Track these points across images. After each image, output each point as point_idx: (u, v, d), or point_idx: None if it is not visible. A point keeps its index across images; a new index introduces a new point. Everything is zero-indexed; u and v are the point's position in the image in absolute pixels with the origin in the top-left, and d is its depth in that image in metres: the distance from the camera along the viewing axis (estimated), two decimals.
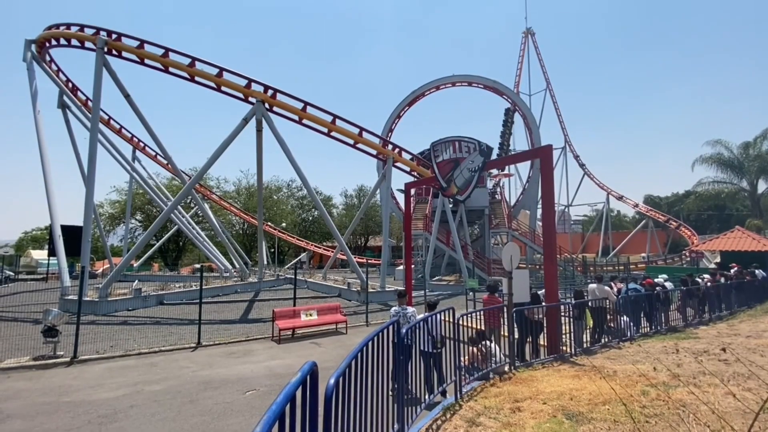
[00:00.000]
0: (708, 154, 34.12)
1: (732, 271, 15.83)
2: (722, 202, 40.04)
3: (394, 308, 6.92)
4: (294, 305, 13.09)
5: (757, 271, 16.02)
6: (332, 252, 33.61)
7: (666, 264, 30.44)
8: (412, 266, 17.84)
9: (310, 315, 11.65)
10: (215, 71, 18.19)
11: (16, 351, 9.11)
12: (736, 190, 34.66)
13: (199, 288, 11.30)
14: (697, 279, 12.86)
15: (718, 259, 24.94)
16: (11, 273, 30.10)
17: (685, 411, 4.36)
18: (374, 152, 21.85)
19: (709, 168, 34.47)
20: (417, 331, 5.42)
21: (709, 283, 12.69)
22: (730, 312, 12.92)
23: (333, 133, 19.91)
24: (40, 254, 38.26)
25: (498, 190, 38.79)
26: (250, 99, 18.41)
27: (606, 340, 8.69)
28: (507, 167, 41.39)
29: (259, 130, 19.03)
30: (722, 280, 13.77)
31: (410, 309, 6.81)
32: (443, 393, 5.71)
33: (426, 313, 6.14)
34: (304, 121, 19.35)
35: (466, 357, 6.29)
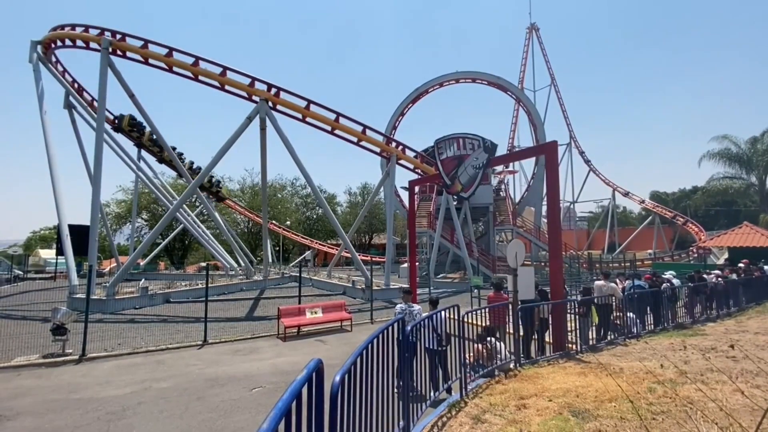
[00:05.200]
0: (716, 150, 33.83)
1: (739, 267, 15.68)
2: (730, 197, 39.66)
3: (399, 305, 6.93)
4: (299, 303, 13.11)
5: (765, 267, 15.85)
6: (337, 250, 33.67)
7: (673, 260, 30.17)
8: (417, 264, 17.82)
9: (315, 313, 11.69)
10: (219, 70, 18.23)
11: (25, 349, 9.23)
12: (745, 186, 34.30)
13: (205, 286, 11.37)
14: (704, 275, 12.74)
15: (726, 255, 24.70)
16: (20, 272, 30.50)
17: (693, 408, 4.33)
18: (378, 150, 21.82)
19: (716, 164, 34.18)
20: (422, 328, 5.41)
21: (719, 279, 12.56)
22: (738, 308, 12.79)
23: (336, 131, 19.89)
24: (48, 253, 38.71)
25: (502, 187, 38.63)
26: (254, 98, 18.43)
27: (612, 337, 8.64)
28: (512, 164, 41.37)
29: (262, 129, 19.06)
30: (733, 276, 13.59)
31: (416, 307, 6.80)
32: (448, 390, 5.72)
33: (430, 311, 6.14)
34: (308, 120, 19.36)
35: (471, 354, 6.28)
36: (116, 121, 24.59)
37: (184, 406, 6.08)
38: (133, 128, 24.52)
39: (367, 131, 20.42)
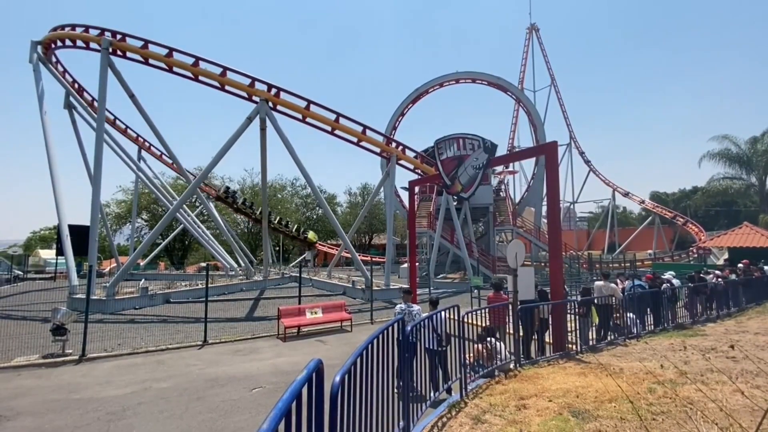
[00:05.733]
0: (716, 150, 33.83)
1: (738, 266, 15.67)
2: (730, 198, 39.65)
3: (399, 306, 6.93)
4: (299, 303, 13.12)
5: (765, 267, 15.84)
6: (337, 250, 33.66)
7: (673, 261, 30.17)
8: (417, 264, 17.82)
9: (315, 313, 11.69)
10: (219, 70, 18.23)
11: (25, 349, 9.23)
12: (745, 186, 34.29)
13: (205, 286, 11.37)
14: (701, 275, 12.72)
15: (726, 256, 24.70)
16: (20, 272, 30.47)
17: (693, 408, 4.33)
18: (378, 150, 21.82)
19: (716, 164, 34.18)
20: (422, 328, 5.41)
21: (718, 279, 12.55)
22: (738, 309, 12.78)
23: (336, 132, 19.88)
24: (48, 253, 38.68)
25: (502, 187, 38.62)
26: (254, 98, 18.43)
27: (612, 337, 8.64)
28: (512, 164, 41.35)
29: (263, 129, 19.05)
30: (732, 276, 13.58)
31: (416, 307, 6.80)
32: (448, 390, 5.72)
33: (430, 311, 6.14)
34: (308, 120, 19.35)
35: (471, 354, 6.29)
36: (227, 197, 26.14)
37: (184, 406, 6.08)
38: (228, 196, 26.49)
39: (367, 131, 20.41)
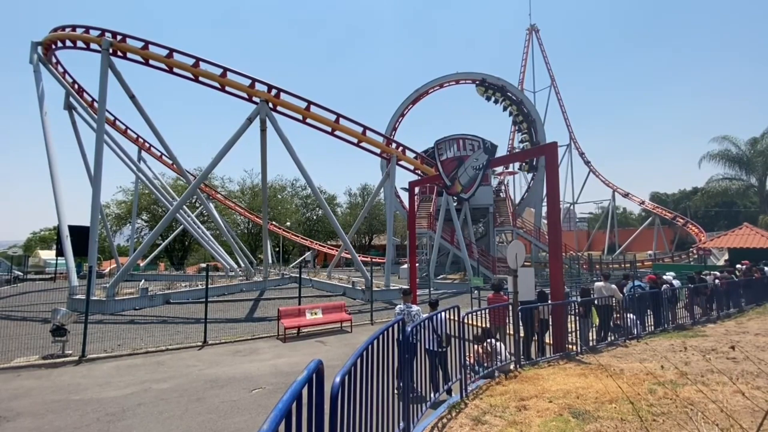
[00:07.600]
0: (716, 151, 33.80)
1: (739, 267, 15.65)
2: (730, 198, 39.59)
3: (398, 306, 6.93)
4: (299, 304, 13.12)
5: (766, 268, 15.84)
6: (337, 251, 33.65)
7: (673, 261, 30.16)
8: (417, 265, 17.82)
9: (315, 314, 11.68)
10: (219, 71, 18.24)
11: (25, 350, 9.23)
12: (745, 187, 34.27)
13: (204, 287, 11.36)
14: (702, 276, 12.71)
15: (726, 256, 24.70)
16: (20, 273, 30.45)
17: (693, 409, 4.33)
18: (378, 151, 21.83)
19: (716, 165, 34.17)
20: (422, 329, 5.41)
21: (717, 281, 12.54)
22: (738, 310, 12.78)
23: (337, 132, 19.89)
24: (48, 254, 38.68)
25: (502, 188, 38.62)
26: (254, 99, 18.44)
27: (612, 338, 8.63)
28: (511, 165, 41.33)
29: (263, 130, 19.06)
30: (733, 277, 13.58)
31: (415, 307, 6.80)
32: (449, 391, 5.71)
33: (430, 312, 6.13)
34: (308, 121, 19.35)
35: (472, 355, 6.28)
36: None
37: (183, 407, 6.07)
38: None
39: (367, 132, 20.42)
